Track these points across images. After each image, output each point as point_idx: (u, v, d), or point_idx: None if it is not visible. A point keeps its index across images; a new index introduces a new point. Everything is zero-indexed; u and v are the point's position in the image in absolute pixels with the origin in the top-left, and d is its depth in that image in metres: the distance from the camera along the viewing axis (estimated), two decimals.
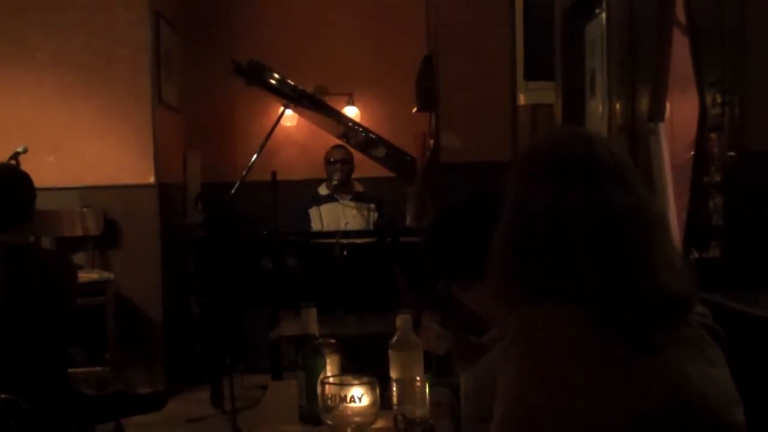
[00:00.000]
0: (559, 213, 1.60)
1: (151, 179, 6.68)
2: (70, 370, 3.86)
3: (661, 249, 1.62)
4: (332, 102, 7.26)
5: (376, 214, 6.75)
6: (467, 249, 2.04)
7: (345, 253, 5.49)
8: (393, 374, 2.29)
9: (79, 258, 6.42)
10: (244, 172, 6.29)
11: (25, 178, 3.70)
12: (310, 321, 2.40)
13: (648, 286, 1.56)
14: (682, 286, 1.61)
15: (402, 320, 2.31)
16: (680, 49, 3.85)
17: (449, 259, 2.14)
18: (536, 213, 1.63)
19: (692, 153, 3.58)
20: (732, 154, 3.22)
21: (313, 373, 2.31)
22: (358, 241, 5.69)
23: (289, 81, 6.54)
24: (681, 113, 4.08)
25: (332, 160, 6.87)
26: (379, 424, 2.05)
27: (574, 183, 1.62)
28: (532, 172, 1.68)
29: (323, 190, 6.92)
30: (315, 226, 6.71)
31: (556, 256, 1.58)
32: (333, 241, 5.58)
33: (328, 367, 2.36)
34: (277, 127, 6.68)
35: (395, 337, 2.31)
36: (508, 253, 1.66)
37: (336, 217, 6.76)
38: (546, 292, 1.59)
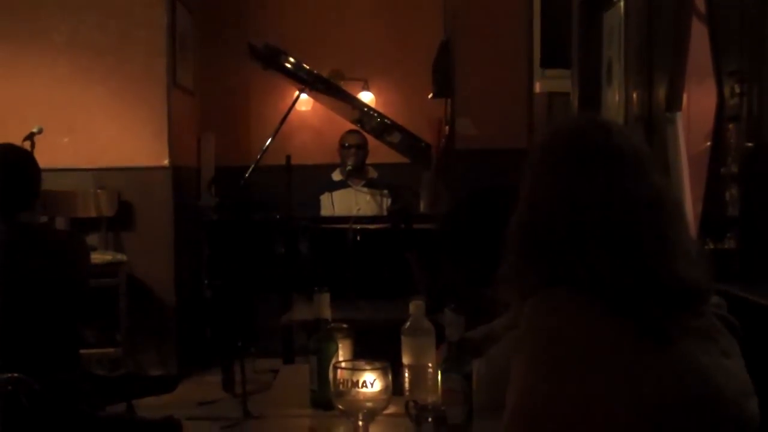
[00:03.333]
0: (576, 200, 1.60)
1: (166, 162, 6.69)
2: (82, 351, 3.87)
3: (677, 238, 1.61)
4: (347, 87, 7.25)
5: (389, 200, 6.75)
6: (481, 239, 2.03)
7: (358, 238, 5.48)
8: (405, 360, 2.29)
9: (92, 239, 6.44)
10: (259, 156, 6.29)
11: (29, 156, 3.71)
12: (323, 305, 2.40)
13: (664, 275, 1.55)
14: (698, 276, 1.60)
15: (415, 306, 2.31)
16: (698, 39, 3.82)
17: (463, 248, 2.14)
18: (553, 200, 1.62)
19: (709, 143, 3.56)
20: (749, 144, 3.19)
21: (325, 357, 2.31)
22: (372, 226, 5.68)
23: (304, 65, 6.53)
24: (698, 103, 4.06)
25: (347, 144, 6.86)
26: (391, 409, 2.04)
27: (591, 171, 1.61)
28: (549, 159, 1.68)
29: (337, 176, 6.91)
30: (326, 212, 6.70)
31: (572, 243, 1.57)
32: (346, 226, 5.58)
33: (340, 352, 2.36)
34: (292, 111, 6.67)
35: (408, 323, 2.31)
36: (523, 240, 1.65)
37: (348, 203, 6.75)
38: (561, 280, 1.58)
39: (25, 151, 3.94)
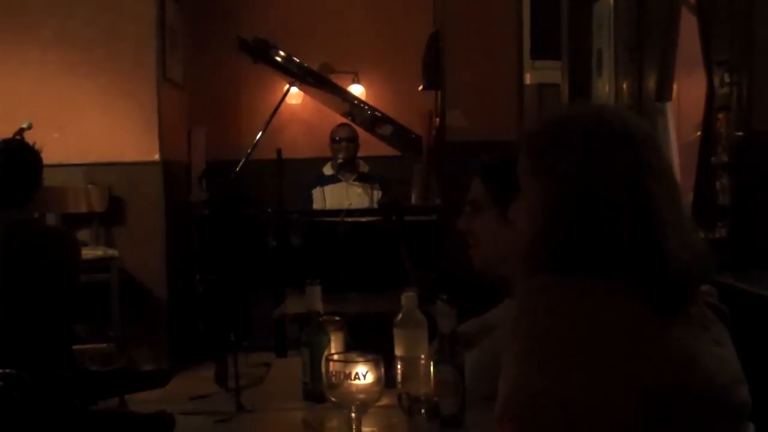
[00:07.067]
0: (593, 182, 1.59)
1: (156, 156, 6.68)
2: (74, 347, 3.87)
3: (683, 221, 1.62)
4: (338, 80, 7.24)
5: (380, 193, 6.74)
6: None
7: (350, 231, 5.48)
8: (397, 352, 2.29)
9: (83, 235, 6.43)
10: (249, 150, 6.29)
11: (31, 151, 3.72)
12: (315, 298, 2.39)
13: (675, 256, 1.55)
14: (703, 258, 1.61)
15: (407, 298, 2.31)
16: (688, 29, 3.83)
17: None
18: (569, 182, 1.61)
19: (699, 133, 3.57)
20: (739, 134, 3.21)
21: (317, 350, 2.30)
22: (363, 219, 5.68)
23: (294, 58, 6.53)
24: (688, 93, 4.07)
25: (337, 138, 6.86)
26: (383, 401, 2.04)
27: (611, 153, 1.61)
28: (568, 143, 1.66)
29: (328, 170, 6.91)
30: (317, 206, 6.70)
31: (585, 225, 1.57)
32: (338, 219, 5.58)
33: (333, 345, 2.36)
34: (283, 105, 6.67)
35: (400, 315, 2.30)
36: (538, 221, 1.64)
37: (340, 197, 6.75)
38: (571, 264, 1.57)
39: (27, 144, 3.94)
